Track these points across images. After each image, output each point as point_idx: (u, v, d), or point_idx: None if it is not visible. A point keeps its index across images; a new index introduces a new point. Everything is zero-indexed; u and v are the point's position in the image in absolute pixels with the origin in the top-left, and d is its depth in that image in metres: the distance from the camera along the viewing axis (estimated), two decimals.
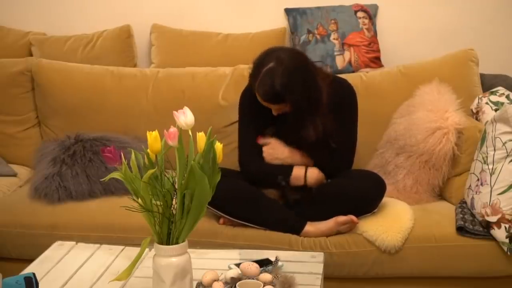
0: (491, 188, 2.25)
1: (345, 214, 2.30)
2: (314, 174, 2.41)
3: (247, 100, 2.49)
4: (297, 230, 2.33)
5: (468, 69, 2.83)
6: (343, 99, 2.45)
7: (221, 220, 2.39)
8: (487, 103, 2.65)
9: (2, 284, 1.66)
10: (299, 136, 2.36)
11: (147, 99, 2.91)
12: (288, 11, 3.17)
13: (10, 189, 2.75)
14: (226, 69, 2.93)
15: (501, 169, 2.24)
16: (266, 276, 1.77)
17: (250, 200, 2.35)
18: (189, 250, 1.66)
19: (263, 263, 1.89)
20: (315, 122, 2.34)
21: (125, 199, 1.65)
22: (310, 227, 2.33)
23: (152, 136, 1.57)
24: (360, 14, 3.12)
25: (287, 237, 2.33)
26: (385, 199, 2.47)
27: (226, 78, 2.90)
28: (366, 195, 2.36)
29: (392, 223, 2.31)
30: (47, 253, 2.08)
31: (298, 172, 2.40)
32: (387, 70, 2.95)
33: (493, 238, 2.26)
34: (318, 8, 3.13)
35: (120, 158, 1.58)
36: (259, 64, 2.32)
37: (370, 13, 3.14)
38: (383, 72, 2.93)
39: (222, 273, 1.81)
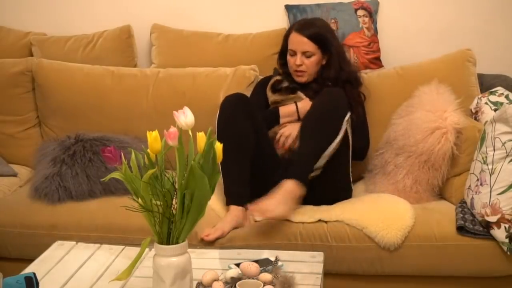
0: (491, 188, 2.25)
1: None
2: (306, 105, 2.57)
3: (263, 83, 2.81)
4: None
5: (465, 69, 2.82)
6: None
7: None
8: (486, 103, 2.65)
9: (3, 284, 1.67)
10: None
11: (148, 99, 2.91)
12: (288, 8, 3.17)
13: (10, 189, 2.76)
14: (227, 70, 2.94)
15: (500, 169, 2.24)
16: (266, 276, 1.77)
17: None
18: (189, 250, 1.66)
19: (263, 263, 1.89)
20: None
21: (125, 199, 1.65)
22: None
23: (152, 136, 1.57)
24: (360, 12, 3.12)
25: (285, 233, 2.33)
26: (387, 197, 2.49)
27: (227, 78, 2.90)
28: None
29: (393, 220, 2.31)
30: (47, 253, 2.09)
31: (288, 109, 2.62)
32: (384, 72, 2.96)
33: (493, 238, 2.26)
34: (318, 5, 3.13)
35: (120, 158, 1.58)
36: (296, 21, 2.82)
37: (371, 10, 3.13)
38: (381, 73, 2.94)
39: (222, 273, 1.82)
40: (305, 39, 2.62)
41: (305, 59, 2.64)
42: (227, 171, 2.36)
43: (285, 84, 2.70)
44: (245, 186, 2.41)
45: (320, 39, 2.63)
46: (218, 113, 2.46)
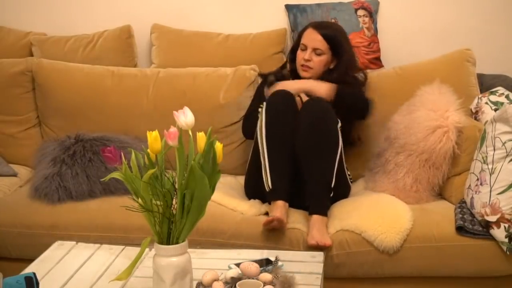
0: (491, 188, 2.25)
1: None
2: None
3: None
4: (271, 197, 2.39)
5: (465, 69, 2.83)
6: None
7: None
8: (486, 103, 2.65)
9: (3, 283, 1.67)
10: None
11: (148, 99, 2.91)
12: (288, 8, 3.17)
13: (10, 189, 2.76)
14: (227, 70, 2.94)
15: (500, 169, 2.24)
16: (266, 276, 1.77)
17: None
18: (189, 250, 1.66)
19: (263, 263, 1.89)
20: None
21: (125, 199, 1.65)
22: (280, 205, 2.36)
23: (152, 136, 1.58)
24: (360, 12, 3.12)
25: (288, 237, 2.33)
26: (385, 198, 2.48)
27: (227, 78, 2.90)
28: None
29: (391, 223, 2.31)
30: (47, 253, 2.09)
31: None
32: (384, 72, 2.97)
33: (492, 238, 2.27)
34: (318, 5, 3.13)
35: (120, 158, 1.59)
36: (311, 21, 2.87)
37: (371, 10, 3.13)
38: (380, 73, 2.95)
39: (222, 273, 1.82)
40: (320, 37, 2.69)
41: (314, 56, 2.70)
42: (273, 165, 2.41)
43: (272, 78, 2.77)
44: (289, 182, 2.42)
45: (333, 41, 2.70)
46: (264, 108, 2.50)
